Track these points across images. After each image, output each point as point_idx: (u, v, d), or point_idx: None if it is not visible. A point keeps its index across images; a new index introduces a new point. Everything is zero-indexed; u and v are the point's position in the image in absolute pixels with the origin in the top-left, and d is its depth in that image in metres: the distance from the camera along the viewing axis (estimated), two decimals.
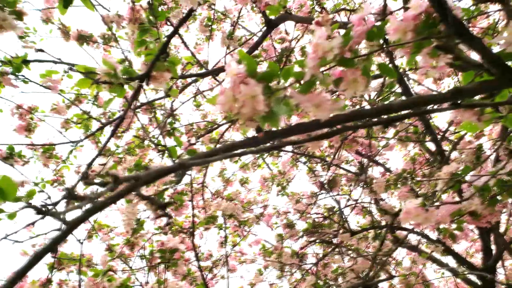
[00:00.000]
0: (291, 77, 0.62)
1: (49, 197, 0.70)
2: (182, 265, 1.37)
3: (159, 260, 2.14)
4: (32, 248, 3.62)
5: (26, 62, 1.70)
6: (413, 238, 2.70)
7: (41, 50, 1.20)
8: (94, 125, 2.40)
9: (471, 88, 0.54)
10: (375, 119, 0.60)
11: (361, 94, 1.52)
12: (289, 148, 2.45)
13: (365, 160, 2.30)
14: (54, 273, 1.61)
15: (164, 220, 1.81)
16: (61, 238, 0.60)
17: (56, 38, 1.93)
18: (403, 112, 0.66)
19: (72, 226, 0.60)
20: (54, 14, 1.73)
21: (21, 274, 0.58)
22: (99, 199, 0.61)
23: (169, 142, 2.54)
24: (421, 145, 2.03)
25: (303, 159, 2.37)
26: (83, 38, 1.83)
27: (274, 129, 0.66)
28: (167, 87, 0.90)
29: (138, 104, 2.13)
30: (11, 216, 0.54)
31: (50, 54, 1.19)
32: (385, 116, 0.65)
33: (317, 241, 2.45)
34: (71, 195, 0.47)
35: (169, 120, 2.21)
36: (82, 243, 1.45)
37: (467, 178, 1.14)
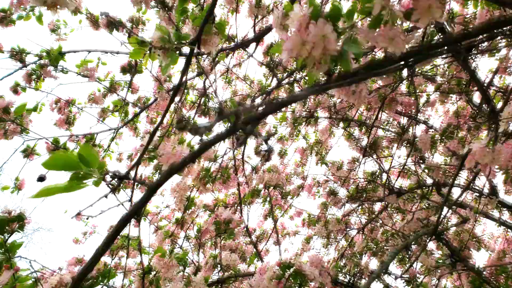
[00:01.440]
0: (355, 15, 0.59)
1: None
2: (239, 234, 1.38)
3: (207, 237, 2.18)
4: (82, 236, 3.79)
5: (61, 54, 1.72)
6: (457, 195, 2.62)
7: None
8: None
9: None
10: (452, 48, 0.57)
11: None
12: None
13: (405, 120, 2.23)
14: (114, 258, 1.68)
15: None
16: (144, 201, 0.61)
17: (86, 28, 1.94)
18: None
19: (153, 189, 0.61)
20: (82, 3, 1.74)
21: (112, 238, 0.59)
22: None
23: (204, 121, 2.55)
24: (466, 96, 1.94)
25: (341, 127, 2.32)
26: (112, 24, 1.83)
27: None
28: (216, 51, 0.88)
29: (171, 86, 2.14)
30: (97, 182, 0.55)
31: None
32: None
33: (363, 206, 2.43)
34: (194, 129, 0.46)
35: (202, 99, 2.21)
36: (139, 223, 1.49)
37: None
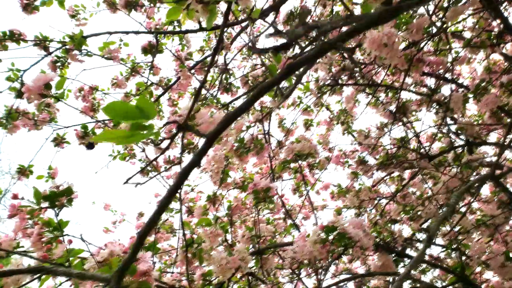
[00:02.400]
0: None
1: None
2: (279, 202, 1.38)
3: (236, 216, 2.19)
4: (112, 225, 3.86)
5: (83, 38, 1.72)
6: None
7: None
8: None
9: None
10: None
11: None
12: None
13: (433, 81, 2.17)
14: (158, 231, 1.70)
15: None
16: (203, 151, 0.60)
17: (103, 12, 1.93)
18: None
19: (211, 138, 0.60)
20: None
21: (174, 190, 0.59)
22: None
23: (226, 98, 2.54)
24: (498, 49, 1.86)
25: (366, 92, 2.27)
26: (130, 4, 1.81)
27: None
28: (251, 7, 0.86)
29: (192, 63, 2.12)
30: (156, 134, 0.54)
31: None
32: None
33: (392, 174, 2.39)
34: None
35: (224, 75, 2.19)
36: (181, 200, 1.50)
37: None
